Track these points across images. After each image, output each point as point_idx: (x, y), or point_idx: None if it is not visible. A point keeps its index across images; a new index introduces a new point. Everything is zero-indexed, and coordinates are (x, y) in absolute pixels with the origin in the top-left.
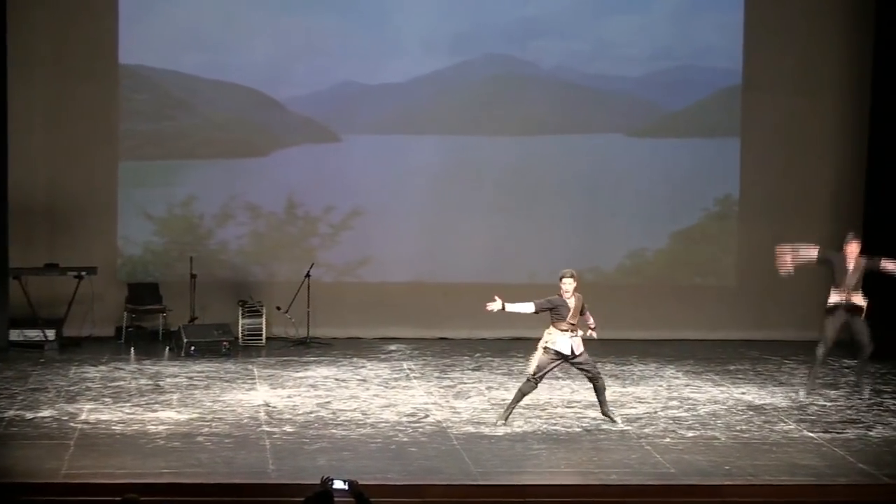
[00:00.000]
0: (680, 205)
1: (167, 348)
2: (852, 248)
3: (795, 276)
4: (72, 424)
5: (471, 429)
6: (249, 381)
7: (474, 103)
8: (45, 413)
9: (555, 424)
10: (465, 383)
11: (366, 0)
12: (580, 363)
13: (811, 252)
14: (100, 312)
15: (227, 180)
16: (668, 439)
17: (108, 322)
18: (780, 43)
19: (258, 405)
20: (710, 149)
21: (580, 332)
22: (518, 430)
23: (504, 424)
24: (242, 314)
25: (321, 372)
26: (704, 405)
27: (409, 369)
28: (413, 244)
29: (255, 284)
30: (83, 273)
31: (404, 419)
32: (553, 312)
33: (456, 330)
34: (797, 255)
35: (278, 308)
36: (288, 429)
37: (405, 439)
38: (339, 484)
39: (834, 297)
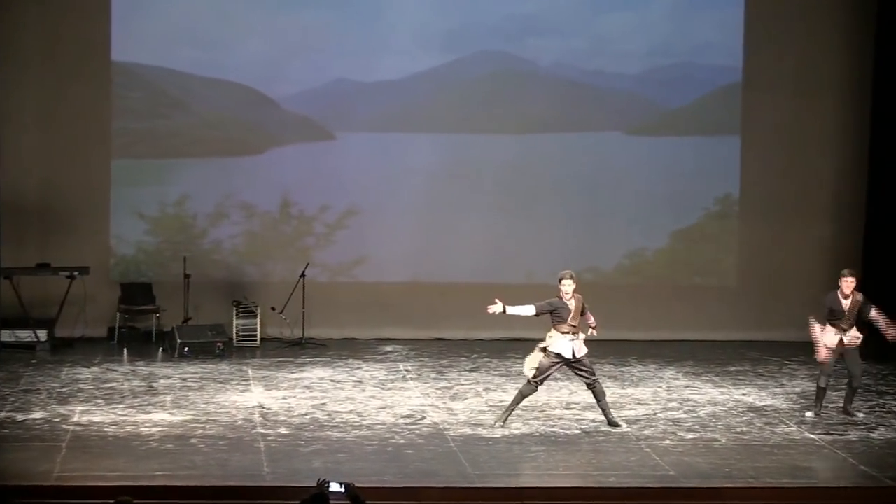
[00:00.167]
0: (680, 204)
1: (160, 349)
2: (848, 284)
3: (796, 277)
4: (64, 426)
5: (468, 431)
6: (244, 383)
7: (471, 101)
8: (37, 415)
9: (553, 426)
10: (463, 385)
11: None
12: (579, 367)
13: (816, 326)
14: (92, 313)
15: (220, 179)
16: (667, 441)
17: (101, 323)
18: (781, 40)
19: (253, 407)
20: (711, 147)
21: (582, 335)
22: (516, 432)
23: (502, 426)
24: (236, 315)
25: (316, 373)
26: (704, 407)
27: (406, 370)
28: (409, 243)
29: (249, 284)
30: (75, 273)
31: (401, 421)
32: (553, 315)
33: (453, 330)
34: (823, 341)
35: (273, 308)
36: (283, 431)
37: (402, 441)
38: (335, 486)
39: (829, 336)
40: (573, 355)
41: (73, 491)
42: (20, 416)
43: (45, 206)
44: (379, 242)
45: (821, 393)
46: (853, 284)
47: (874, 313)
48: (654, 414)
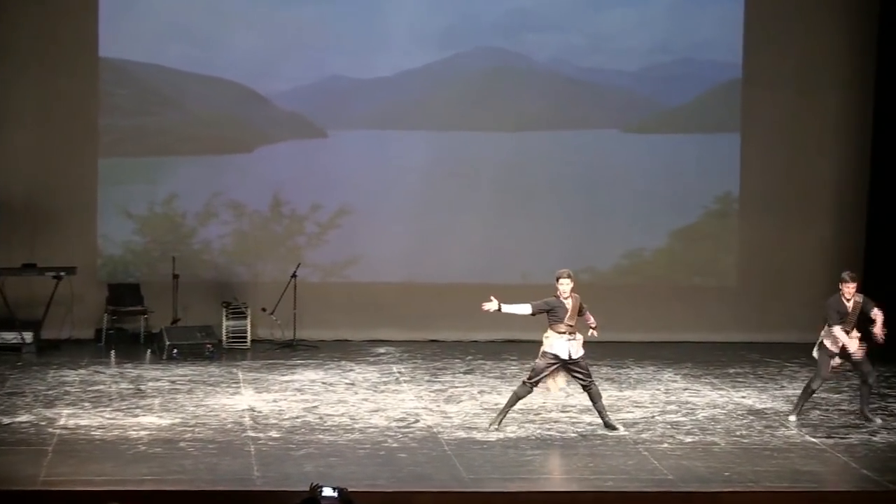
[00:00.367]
0: (679, 202)
1: (149, 351)
2: (850, 288)
3: (797, 277)
4: (50, 430)
5: (462, 434)
6: (234, 385)
7: (466, 98)
8: (23, 418)
9: (549, 429)
10: (457, 387)
11: None
12: (576, 369)
13: (833, 329)
14: (79, 314)
15: (210, 177)
16: (665, 445)
17: (88, 324)
18: (782, 36)
19: (243, 410)
20: (710, 145)
21: (579, 336)
22: (511, 435)
23: (497, 429)
24: (226, 316)
25: (308, 375)
26: (703, 409)
27: (399, 373)
28: (403, 243)
29: (239, 285)
30: (62, 273)
31: (394, 424)
32: (550, 314)
33: (447, 332)
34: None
35: (263, 309)
36: (274, 434)
37: (395, 445)
38: (328, 491)
39: (831, 339)
40: (570, 356)
41: (60, 496)
42: (5, 420)
43: (32, 204)
44: (372, 242)
45: (806, 394)
46: (854, 288)
47: (876, 311)
48: (652, 417)
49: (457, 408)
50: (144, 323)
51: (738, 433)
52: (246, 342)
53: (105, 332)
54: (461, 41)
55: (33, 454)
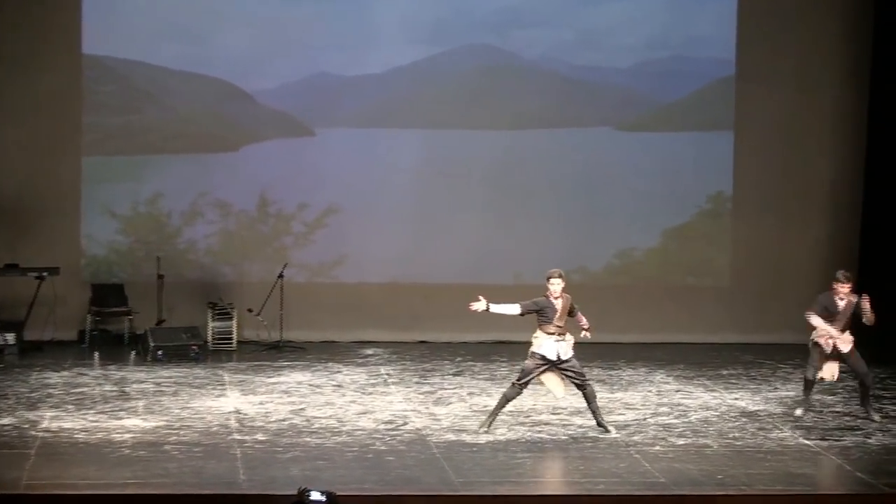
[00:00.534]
0: (671, 201)
1: (133, 353)
2: (844, 288)
3: (792, 277)
4: (33, 433)
5: (451, 437)
6: (219, 387)
7: (456, 96)
8: (5, 421)
9: (539, 432)
10: (446, 389)
11: None
12: (567, 369)
13: (814, 317)
14: (62, 315)
15: (195, 176)
16: (657, 447)
17: (71, 325)
18: (776, 32)
19: (229, 412)
20: (703, 143)
21: (570, 337)
22: (501, 437)
23: (486, 432)
24: (212, 317)
25: (295, 377)
26: (696, 411)
27: (387, 374)
28: (391, 243)
29: (225, 285)
30: (45, 274)
31: (382, 427)
32: (539, 315)
33: (436, 333)
34: (830, 332)
35: (250, 310)
36: (260, 437)
37: (383, 448)
38: (316, 495)
39: (824, 341)
40: (558, 357)
41: (43, 499)
42: None
43: (14, 204)
44: (360, 242)
45: (809, 385)
46: (849, 288)
47: (864, 302)
48: (644, 419)
49: (446, 410)
50: (129, 324)
51: (731, 435)
52: (232, 343)
53: (88, 334)
54: (451, 38)
55: (15, 457)
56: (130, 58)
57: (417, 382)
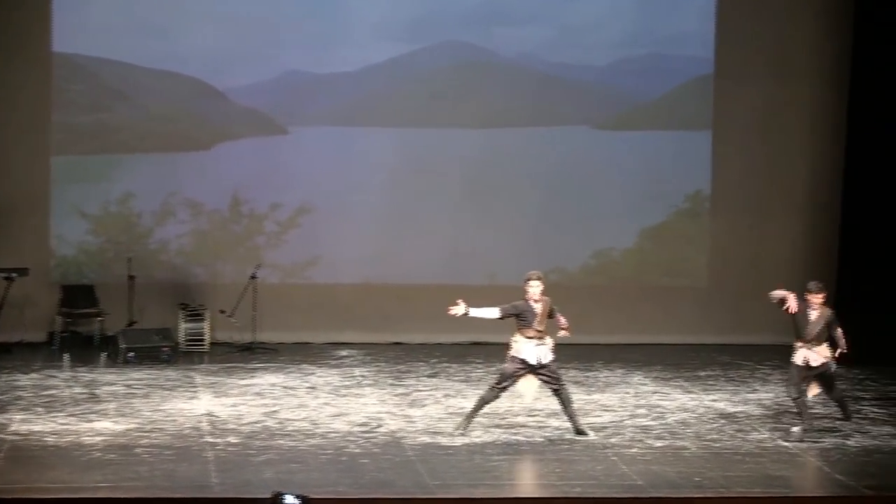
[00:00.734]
0: (648, 201)
1: (104, 355)
2: (816, 298)
3: (770, 277)
4: (1, 436)
5: (427, 439)
6: (191, 389)
7: (432, 94)
8: None
9: (516, 434)
10: (421, 391)
11: None
12: (545, 373)
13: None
14: (31, 316)
15: (166, 175)
16: (635, 449)
17: (41, 327)
18: (755, 30)
19: (201, 415)
20: (681, 141)
21: (549, 340)
22: (477, 440)
23: (462, 434)
24: (184, 318)
25: (268, 379)
26: (673, 413)
27: (362, 376)
28: (365, 243)
29: (197, 286)
30: (13, 275)
31: (356, 429)
32: (519, 318)
33: (411, 334)
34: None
35: (222, 311)
36: (232, 440)
37: (357, 450)
38: (290, 499)
39: (799, 354)
40: (538, 362)
41: None
42: None
43: None
44: (333, 242)
45: (801, 406)
46: (821, 299)
47: (838, 332)
48: (622, 421)
49: (421, 412)
50: (99, 326)
51: (709, 437)
52: (204, 345)
53: (58, 335)
54: (427, 35)
55: None
56: (101, 56)
57: (392, 384)
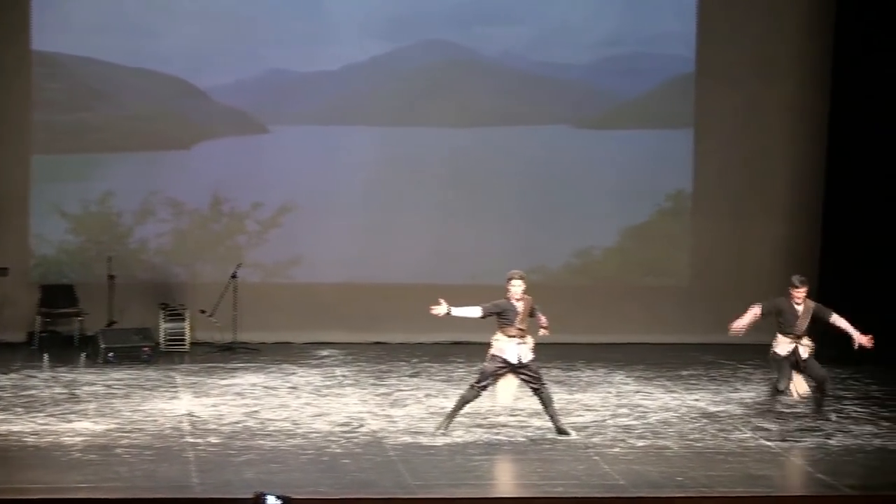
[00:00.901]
0: (630, 200)
1: (83, 355)
2: (800, 292)
3: (752, 276)
4: None
5: (408, 439)
6: (172, 390)
7: (413, 92)
8: None
9: (497, 434)
10: (402, 390)
11: None
12: (525, 373)
13: (754, 310)
14: (11, 316)
15: (147, 175)
16: (617, 449)
17: (20, 326)
18: (737, 28)
19: (181, 415)
20: (663, 140)
21: (530, 339)
22: (458, 440)
23: (444, 434)
24: (164, 318)
25: (248, 379)
26: (656, 413)
27: (343, 376)
28: (347, 243)
29: (177, 286)
30: None
31: (337, 429)
32: (500, 317)
33: (392, 334)
34: (743, 322)
35: (202, 311)
36: (213, 440)
37: (338, 450)
38: (272, 500)
39: (784, 346)
40: (519, 361)
41: None
42: None
43: None
44: (315, 241)
45: (778, 393)
46: (804, 293)
47: (835, 318)
48: (604, 420)
49: (402, 412)
50: (79, 325)
51: (691, 437)
52: (184, 345)
53: (38, 335)
54: (409, 34)
55: None
56: (81, 54)
57: (373, 384)
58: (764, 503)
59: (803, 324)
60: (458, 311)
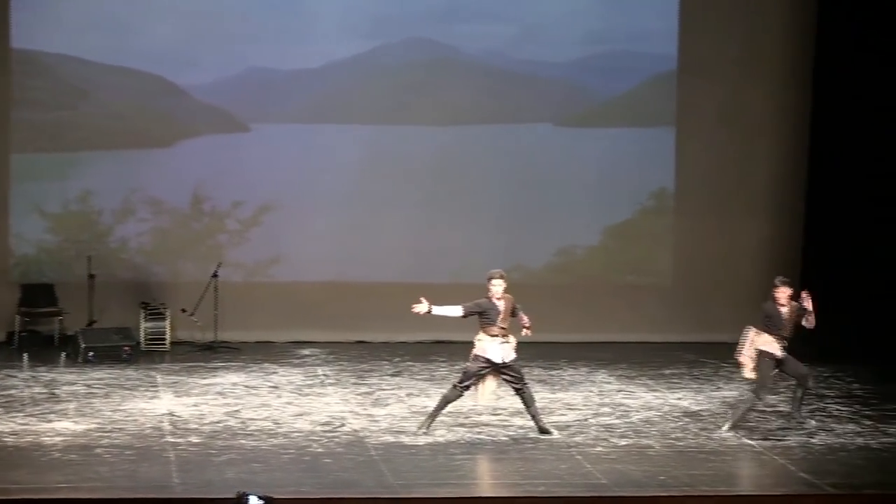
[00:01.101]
0: (612, 199)
1: (63, 354)
2: (784, 293)
3: (735, 275)
4: None
5: (390, 438)
6: (152, 389)
7: (394, 90)
8: None
9: (479, 433)
10: (384, 390)
11: None
12: (507, 372)
13: (749, 335)
14: None
15: (127, 173)
16: (599, 448)
17: None
18: (719, 27)
19: (162, 414)
20: (645, 139)
21: (512, 339)
22: (440, 439)
23: (426, 433)
24: (144, 317)
25: (229, 378)
26: (638, 412)
27: (324, 375)
28: (328, 241)
29: (158, 285)
30: None
31: (319, 428)
32: (482, 317)
33: (374, 333)
34: (748, 353)
35: (183, 310)
36: (194, 439)
37: (320, 450)
38: (254, 500)
39: (772, 346)
40: (502, 360)
41: None
42: None
43: None
44: (296, 240)
45: (748, 407)
46: (788, 293)
47: (807, 301)
48: (586, 419)
49: (384, 411)
50: (59, 325)
51: (673, 436)
52: (165, 344)
53: (17, 335)
54: (390, 32)
55: None
56: (61, 52)
57: (355, 383)
58: (746, 502)
59: (790, 324)
60: (439, 310)
